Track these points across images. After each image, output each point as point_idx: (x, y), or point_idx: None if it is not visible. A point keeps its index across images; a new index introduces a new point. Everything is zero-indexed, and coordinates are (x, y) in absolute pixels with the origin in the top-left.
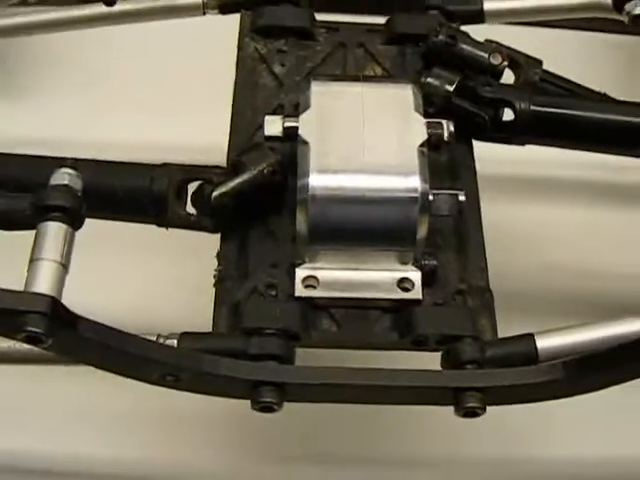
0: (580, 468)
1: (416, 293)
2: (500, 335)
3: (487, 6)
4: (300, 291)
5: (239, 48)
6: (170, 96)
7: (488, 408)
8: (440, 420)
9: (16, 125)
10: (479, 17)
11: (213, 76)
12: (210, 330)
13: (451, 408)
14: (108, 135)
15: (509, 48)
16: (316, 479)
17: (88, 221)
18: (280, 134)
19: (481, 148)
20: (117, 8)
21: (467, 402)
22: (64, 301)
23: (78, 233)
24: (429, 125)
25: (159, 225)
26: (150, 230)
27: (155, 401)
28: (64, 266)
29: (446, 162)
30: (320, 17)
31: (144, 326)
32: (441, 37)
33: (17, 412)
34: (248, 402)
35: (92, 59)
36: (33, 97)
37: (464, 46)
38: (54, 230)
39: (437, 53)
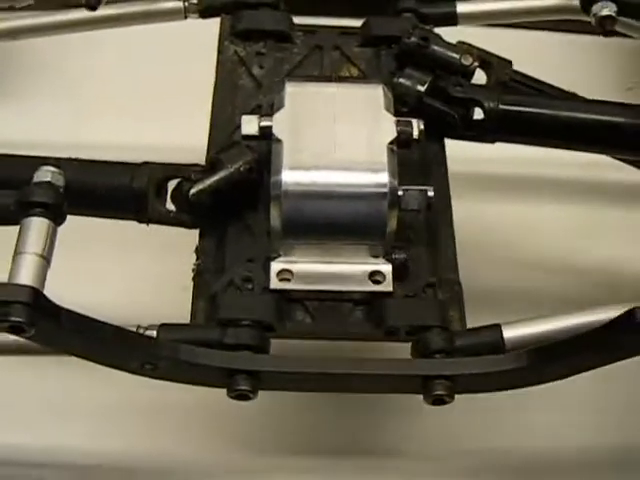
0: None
1: (387, 285)
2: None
3: (460, 9)
4: (275, 284)
5: (219, 51)
6: (152, 99)
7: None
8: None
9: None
10: (452, 19)
11: (194, 79)
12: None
13: None
14: (91, 138)
15: (480, 49)
16: (306, 470)
17: (72, 218)
18: (256, 133)
19: (453, 147)
20: (100, 13)
21: (435, 390)
22: (48, 295)
23: (63, 229)
24: (399, 123)
25: (139, 221)
26: (133, 227)
27: (139, 392)
28: (46, 259)
29: (417, 159)
30: (298, 20)
31: (126, 319)
32: (414, 39)
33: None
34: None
35: (76, 63)
36: (16, 101)
37: (436, 47)
38: (37, 225)
39: (410, 54)
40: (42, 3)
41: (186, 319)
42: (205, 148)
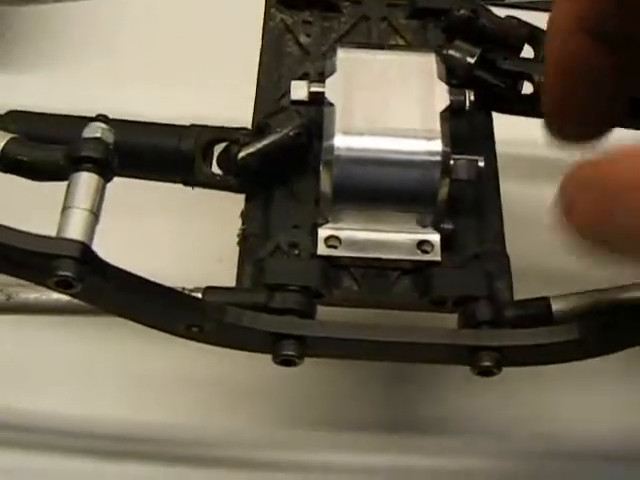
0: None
1: (435, 255)
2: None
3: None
4: (322, 250)
5: (265, 18)
6: (192, 67)
7: None
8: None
9: (28, 95)
10: None
11: (240, 47)
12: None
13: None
14: (126, 106)
15: (529, 24)
16: (324, 444)
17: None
18: (306, 98)
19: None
20: None
21: (482, 361)
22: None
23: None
24: (451, 92)
25: (185, 184)
26: (161, 195)
27: (178, 364)
28: (95, 215)
29: (467, 130)
30: None
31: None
32: (463, 11)
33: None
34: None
35: (108, 28)
36: (46, 66)
37: (485, 21)
38: (86, 180)
39: (458, 27)
40: None
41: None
42: (246, 118)
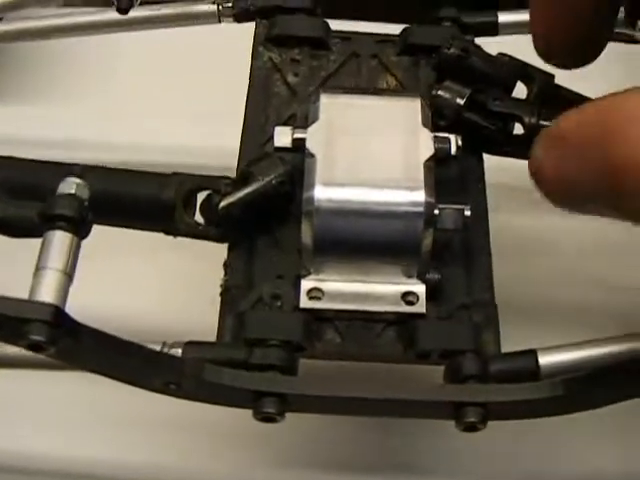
0: None
1: (420, 307)
2: (504, 349)
3: (502, 18)
4: (305, 302)
5: (253, 56)
6: (183, 102)
7: None
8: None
9: (26, 127)
10: (493, 29)
11: (228, 83)
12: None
13: None
14: (119, 138)
15: (521, 62)
16: None
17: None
18: (289, 145)
19: (490, 157)
20: (131, 15)
21: (467, 417)
22: (71, 307)
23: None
24: (436, 139)
25: (167, 233)
26: (160, 235)
27: (161, 407)
28: (68, 275)
29: (455, 175)
30: (335, 25)
31: (152, 331)
32: (453, 50)
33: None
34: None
35: (102, 62)
36: (44, 98)
37: (476, 59)
38: (59, 239)
39: (449, 66)
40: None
41: (214, 333)
42: (235, 152)
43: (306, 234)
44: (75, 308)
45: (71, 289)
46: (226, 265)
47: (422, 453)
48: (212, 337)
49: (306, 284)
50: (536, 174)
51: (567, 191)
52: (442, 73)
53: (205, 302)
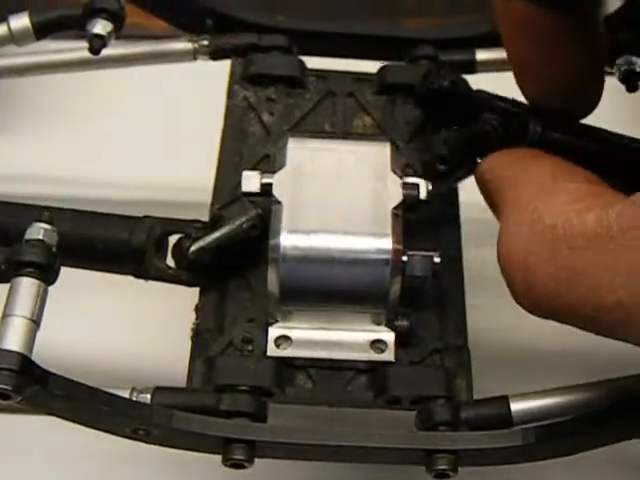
0: None
1: (389, 355)
2: (477, 394)
3: (479, 56)
4: (272, 350)
5: (228, 95)
6: (158, 139)
7: None
8: None
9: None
10: (471, 67)
11: (202, 121)
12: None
13: None
14: (92, 175)
15: (500, 98)
16: None
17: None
18: (257, 190)
19: (469, 193)
20: (106, 52)
21: (438, 464)
22: (38, 352)
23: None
24: (405, 186)
25: (137, 277)
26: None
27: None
28: (35, 322)
29: (426, 220)
30: (311, 63)
31: (124, 375)
32: (445, 82)
33: None
34: None
35: (74, 98)
36: (13, 134)
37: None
38: (27, 286)
39: (435, 97)
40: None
41: (184, 376)
42: (208, 189)
43: (272, 282)
44: (41, 351)
45: (38, 332)
46: (197, 308)
47: None
48: (182, 380)
49: (273, 332)
50: None
51: None
52: (425, 105)
53: (175, 345)
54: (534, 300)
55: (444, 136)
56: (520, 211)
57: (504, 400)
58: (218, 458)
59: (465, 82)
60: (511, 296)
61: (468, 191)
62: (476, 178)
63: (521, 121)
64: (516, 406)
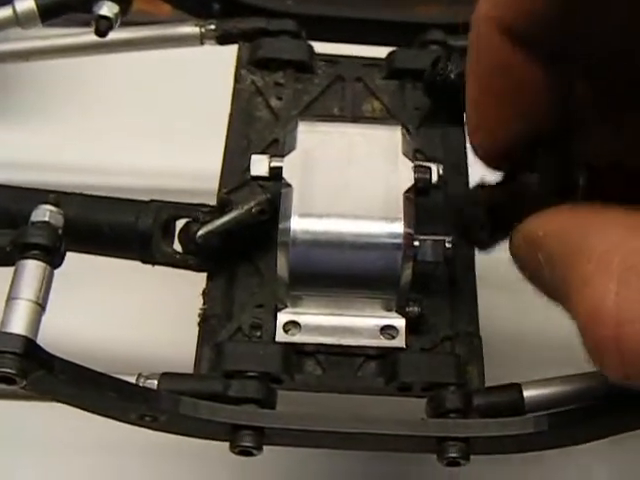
0: None
1: (400, 341)
2: (488, 382)
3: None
4: (281, 336)
5: (236, 80)
6: (164, 124)
7: None
8: None
9: (7, 149)
10: None
11: (210, 106)
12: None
13: None
14: (101, 161)
15: None
16: None
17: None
18: (266, 174)
19: None
20: (112, 36)
21: (450, 452)
22: (43, 337)
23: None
24: (417, 169)
25: (144, 262)
26: None
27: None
28: (41, 306)
29: (438, 205)
30: (320, 47)
31: (130, 362)
32: (452, 74)
33: None
34: None
35: (81, 83)
36: (20, 121)
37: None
38: (32, 269)
39: (441, 88)
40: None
41: (191, 362)
42: (215, 175)
43: (282, 266)
44: (48, 337)
45: (43, 317)
46: (205, 294)
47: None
48: (190, 367)
49: (282, 317)
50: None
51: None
52: (432, 93)
53: (183, 331)
54: (633, 371)
55: (477, 195)
56: (604, 266)
57: (516, 387)
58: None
59: None
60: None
61: None
62: (516, 241)
63: (565, 174)
64: (529, 393)
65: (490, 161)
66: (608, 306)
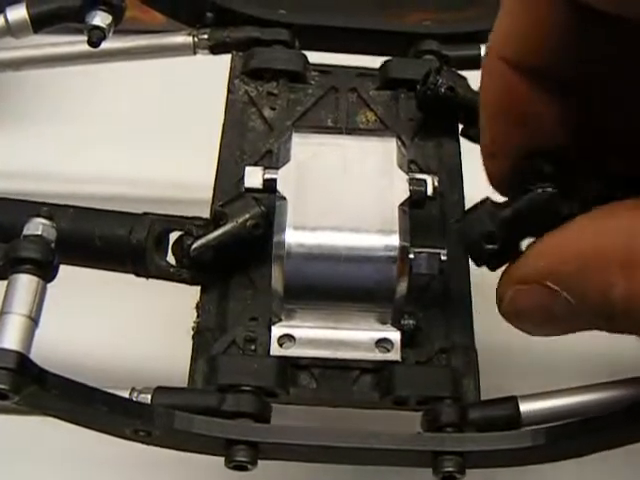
0: None
1: (395, 354)
2: (484, 395)
3: (485, 51)
4: (276, 349)
5: (229, 90)
6: (157, 134)
7: None
8: None
9: None
10: (475, 63)
11: (203, 117)
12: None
13: None
14: (91, 170)
15: None
16: None
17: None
18: (260, 186)
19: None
20: (105, 46)
21: (445, 466)
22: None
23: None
24: (412, 182)
25: (137, 275)
26: None
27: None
28: (34, 320)
29: (433, 217)
30: (313, 58)
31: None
32: (441, 88)
33: None
34: None
35: (73, 91)
36: (12, 129)
37: (463, 95)
38: (25, 283)
39: (432, 101)
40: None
41: (185, 376)
42: (209, 185)
43: (276, 279)
44: (40, 351)
45: (36, 331)
46: (198, 307)
47: None
48: (183, 380)
49: (277, 331)
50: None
51: None
52: (425, 106)
53: (176, 344)
54: None
55: (491, 209)
56: None
57: (513, 401)
58: (221, 460)
59: (465, 85)
60: None
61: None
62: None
63: (581, 185)
64: (525, 407)
65: (501, 187)
66: None
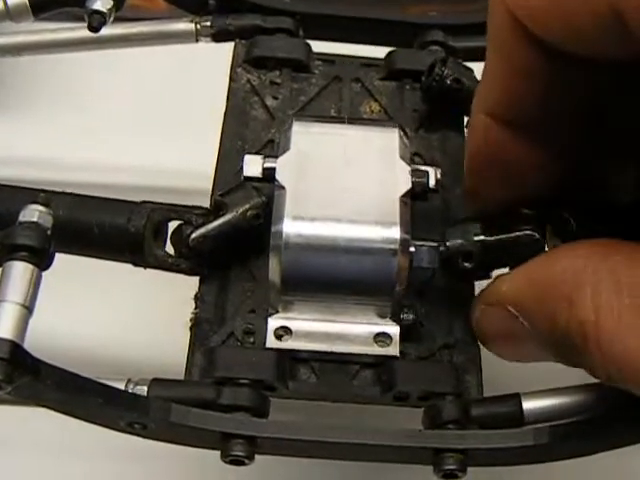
0: None
1: (393, 349)
2: (487, 392)
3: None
4: (272, 342)
5: (231, 78)
6: (158, 122)
7: None
8: None
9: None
10: (482, 54)
11: (205, 105)
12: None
13: None
14: (96, 157)
15: None
16: None
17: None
18: (259, 175)
19: None
20: (107, 32)
21: (446, 464)
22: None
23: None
24: (414, 173)
25: (135, 265)
26: None
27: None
28: (28, 309)
29: (438, 206)
30: (317, 47)
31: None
32: (447, 80)
33: None
34: None
35: (74, 79)
36: (12, 116)
37: (467, 87)
38: (19, 270)
39: (438, 92)
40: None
41: (182, 368)
42: (209, 174)
43: (274, 270)
44: (34, 340)
45: (30, 320)
46: (197, 298)
47: None
48: (180, 372)
49: (273, 322)
50: None
51: None
52: (430, 98)
53: (174, 335)
54: None
55: (478, 231)
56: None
57: (516, 398)
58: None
59: (471, 76)
60: None
61: None
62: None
63: (561, 221)
64: (528, 404)
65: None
66: None
